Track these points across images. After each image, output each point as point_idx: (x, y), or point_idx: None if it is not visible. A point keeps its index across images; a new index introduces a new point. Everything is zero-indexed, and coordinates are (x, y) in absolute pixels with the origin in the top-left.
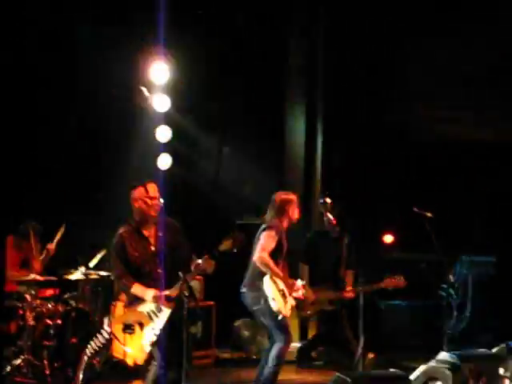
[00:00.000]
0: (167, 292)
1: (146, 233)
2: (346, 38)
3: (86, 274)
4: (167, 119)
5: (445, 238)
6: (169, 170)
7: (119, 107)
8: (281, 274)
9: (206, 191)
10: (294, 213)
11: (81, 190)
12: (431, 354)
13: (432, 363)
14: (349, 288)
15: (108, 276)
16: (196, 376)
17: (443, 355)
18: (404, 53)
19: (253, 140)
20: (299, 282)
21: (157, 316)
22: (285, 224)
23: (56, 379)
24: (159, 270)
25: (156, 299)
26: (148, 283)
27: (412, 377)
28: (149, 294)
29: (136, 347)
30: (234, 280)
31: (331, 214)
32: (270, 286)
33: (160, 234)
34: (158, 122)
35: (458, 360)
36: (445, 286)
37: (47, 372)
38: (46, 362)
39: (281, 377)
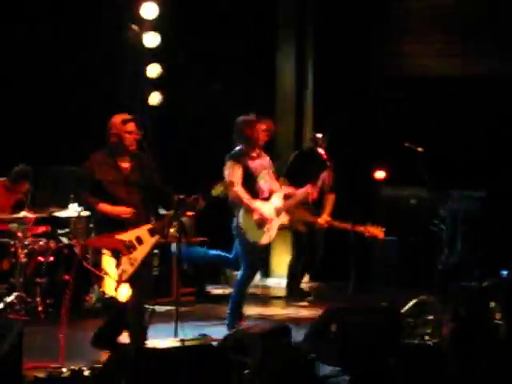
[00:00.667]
0: (149, 225)
1: (120, 163)
2: None
3: (77, 211)
4: (157, 56)
5: (435, 174)
6: (159, 107)
7: (109, 43)
8: (252, 204)
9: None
10: (257, 134)
11: (70, 128)
12: (422, 289)
13: (423, 297)
14: (325, 216)
15: None
16: (185, 312)
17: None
18: None
19: (244, 78)
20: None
21: (135, 248)
22: (250, 149)
23: (48, 316)
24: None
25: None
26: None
27: (403, 310)
28: (122, 210)
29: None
30: (225, 216)
31: (322, 148)
32: (242, 217)
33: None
34: (148, 59)
35: (449, 294)
36: (436, 221)
37: (40, 309)
38: (38, 298)
39: (270, 312)
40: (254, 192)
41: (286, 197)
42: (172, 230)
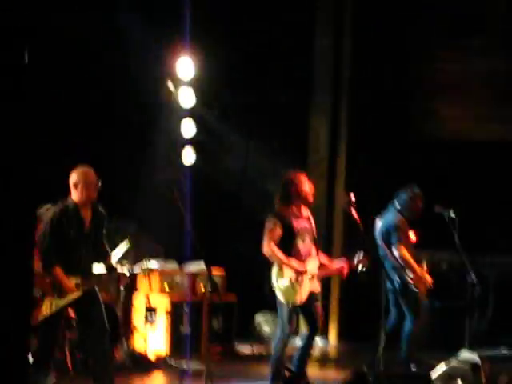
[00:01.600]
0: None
1: (83, 214)
2: None
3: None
4: (192, 114)
5: (466, 238)
6: (194, 165)
7: (146, 101)
8: (287, 261)
9: (232, 187)
10: (306, 192)
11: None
12: (452, 354)
13: (453, 362)
14: None
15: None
16: (215, 371)
17: (464, 354)
18: None
19: (277, 136)
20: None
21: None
22: (295, 206)
23: (78, 371)
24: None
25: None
26: (71, 265)
27: (433, 375)
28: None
29: None
30: (255, 273)
31: (356, 211)
32: (275, 276)
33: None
34: (183, 117)
35: (479, 359)
36: (467, 286)
37: (69, 364)
38: (68, 354)
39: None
40: (291, 252)
41: (321, 266)
42: (202, 288)
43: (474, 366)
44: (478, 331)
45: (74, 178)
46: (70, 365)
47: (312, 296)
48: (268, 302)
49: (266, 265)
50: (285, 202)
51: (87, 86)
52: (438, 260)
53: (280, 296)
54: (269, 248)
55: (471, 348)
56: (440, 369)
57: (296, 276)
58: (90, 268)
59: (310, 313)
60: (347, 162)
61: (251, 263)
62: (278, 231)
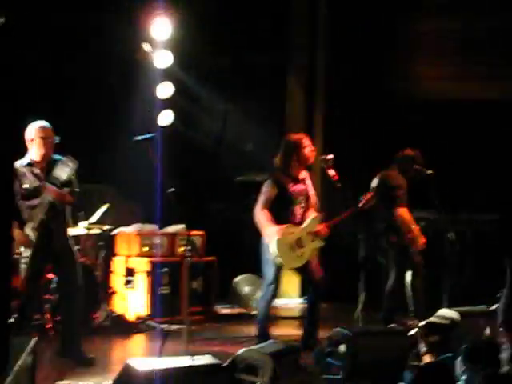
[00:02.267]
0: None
1: (38, 170)
2: None
3: (87, 229)
4: (169, 76)
5: (443, 197)
6: (171, 126)
7: (120, 63)
8: (267, 226)
9: (208, 149)
10: (307, 155)
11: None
12: (431, 311)
13: (432, 318)
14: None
15: (110, 230)
16: (195, 331)
17: (443, 311)
18: None
19: (255, 99)
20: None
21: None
22: (294, 170)
23: (57, 332)
24: None
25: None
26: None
27: (411, 332)
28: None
29: None
30: (235, 236)
31: (333, 169)
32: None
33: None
34: (160, 79)
35: (458, 316)
36: (445, 242)
37: (49, 326)
38: (47, 316)
39: (282, 332)
40: (288, 216)
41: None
42: (181, 249)
43: (453, 322)
44: (457, 289)
45: (29, 133)
46: (50, 326)
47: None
48: (248, 264)
49: (246, 226)
50: (284, 165)
51: (62, 49)
52: (416, 219)
53: (274, 255)
54: (257, 212)
55: (450, 306)
56: (420, 325)
57: (296, 241)
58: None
59: (309, 272)
60: (323, 123)
61: (230, 224)
62: (272, 194)
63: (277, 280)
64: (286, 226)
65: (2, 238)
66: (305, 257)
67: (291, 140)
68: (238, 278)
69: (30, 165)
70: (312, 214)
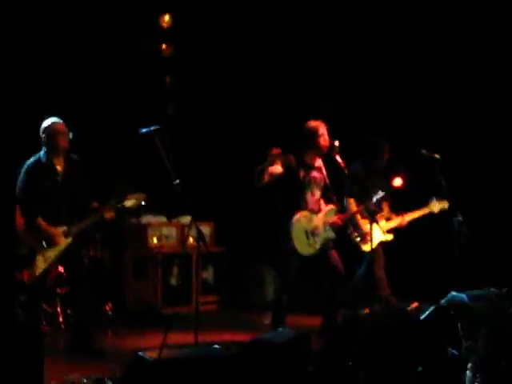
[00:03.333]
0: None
1: (55, 163)
2: None
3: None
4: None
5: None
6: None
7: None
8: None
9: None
10: (320, 142)
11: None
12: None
13: (442, 303)
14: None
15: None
16: (203, 321)
17: (453, 295)
18: None
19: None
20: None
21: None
22: (310, 156)
23: (69, 326)
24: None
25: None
26: (52, 215)
27: (422, 316)
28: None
29: None
30: (245, 226)
31: (340, 156)
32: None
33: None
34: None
35: (468, 298)
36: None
37: (60, 319)
38: (58, 309)
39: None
40: (299, 203)
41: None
42: (191, 239)
43: (463, 305)
44: (466, 272)
45: (43, 128)
46: (61, 320)
47: (326, 245)
48: (257, 253)
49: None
50: (298, 150)
51: (64, 40)
52: None
53: (293, 242)
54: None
55: (459, 290)
56: (430, 309)
57: (312, 228)
58: (72, 216)
59: (326, 261)
60: None
61: (240, 215)
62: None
63: (291, 267)
64: (306, 211)
65: (4, 231)
66: (316, 246)
67: (307, 127)
68: (247, 269)
69: (47, 159)
70: (330, 205)
